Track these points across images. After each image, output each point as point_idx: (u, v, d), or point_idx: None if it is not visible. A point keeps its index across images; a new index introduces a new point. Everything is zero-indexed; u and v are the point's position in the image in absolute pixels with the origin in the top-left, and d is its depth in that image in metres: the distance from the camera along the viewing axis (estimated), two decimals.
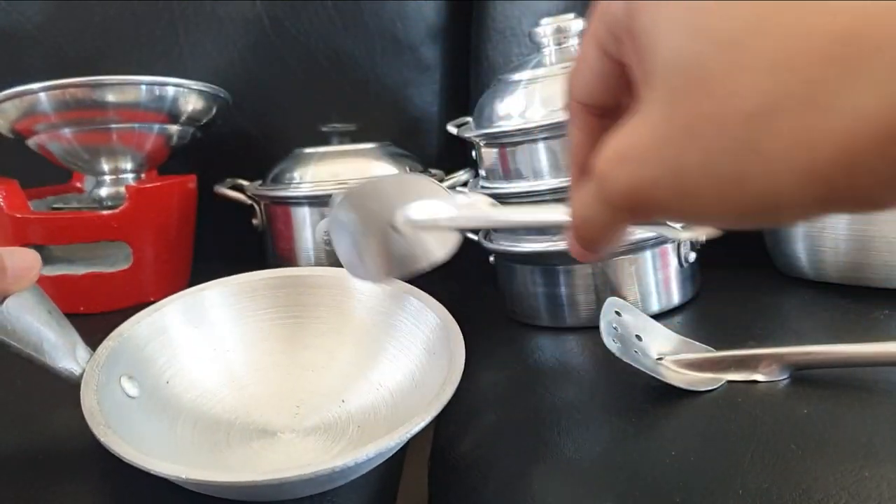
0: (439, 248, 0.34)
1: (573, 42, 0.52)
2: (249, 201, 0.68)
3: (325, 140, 0.68)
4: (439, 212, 0.32)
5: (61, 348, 0.34)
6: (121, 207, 0.60)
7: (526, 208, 0.30)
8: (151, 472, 0.28)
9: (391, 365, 0.39)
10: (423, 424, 0.30)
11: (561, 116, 0.48)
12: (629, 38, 0.21)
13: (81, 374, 0.34)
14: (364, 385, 0.39)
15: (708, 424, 0.36)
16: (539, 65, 0.51)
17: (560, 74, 0.50)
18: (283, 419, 0.37)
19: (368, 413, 0.38)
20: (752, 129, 0.17)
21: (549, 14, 0.53)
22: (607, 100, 0.25)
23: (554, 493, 0.32)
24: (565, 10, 0.55)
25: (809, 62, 0.17)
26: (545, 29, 0.52)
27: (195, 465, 0.33)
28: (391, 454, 0.33)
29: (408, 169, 0.66)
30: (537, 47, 0.53)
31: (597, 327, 0.40)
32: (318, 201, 0.63)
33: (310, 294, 0.43)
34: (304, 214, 0.64)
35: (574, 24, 0.52)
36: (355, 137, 0.68)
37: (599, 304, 0.43)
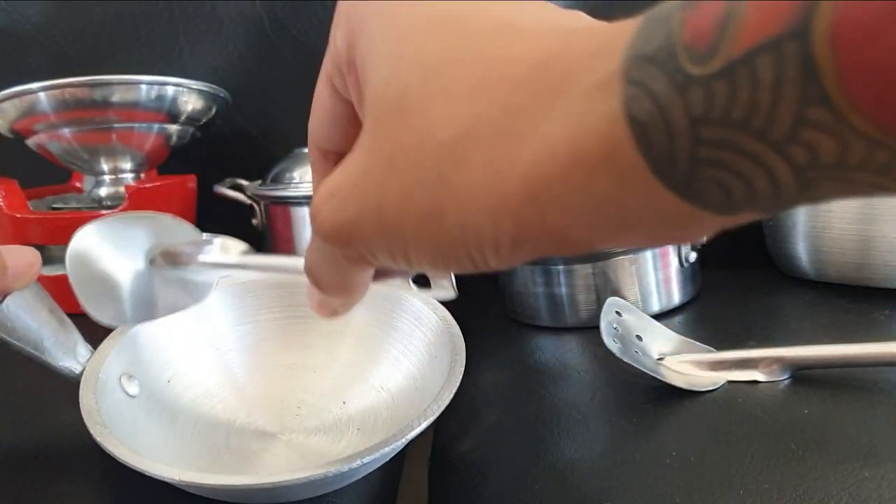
0: (191, 293, 0.33)
1: None
2: (249, 201, 0.68)
3: None
4: (193, 255, 0.31)
5: (62, 346, 0.34)
6: (120, 207, 0.60)
7: (274, 257, 0.29)
8: (146, 474, 0.28)
9: (392, 367, 0.39)
10: (419, 429, 0.30)
11: None
12: (350, 71, 0.20)
13: (82, 373, 0.34)
14: (365, 386, 0.39)
15: (708, 424, 0.36)
16: None
17: None
18: (284, 420, 0.37)
19: (369, 415, 0.37)
20: (445, 160, 0.16)
21: None
22: (345, 145, 0.22)
23: (554, 493, 0.32)
24: None
25: (508, 89, 0.16)
26: None
27: (194, 466, 0.33)
28: (388, 459, 0.32)
29: None
30: None
31: (597, 327, 0.40)
32: None
33: (302, 294, 0.42)
34: (303, 214, 0.64)
35: None
36: None
37: (600, 304, 0.43)
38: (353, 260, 0.21)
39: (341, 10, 0.21)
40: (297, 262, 0.26)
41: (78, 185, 0.72)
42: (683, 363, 0.41)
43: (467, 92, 0.16)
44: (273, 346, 0.42)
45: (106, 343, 0.36)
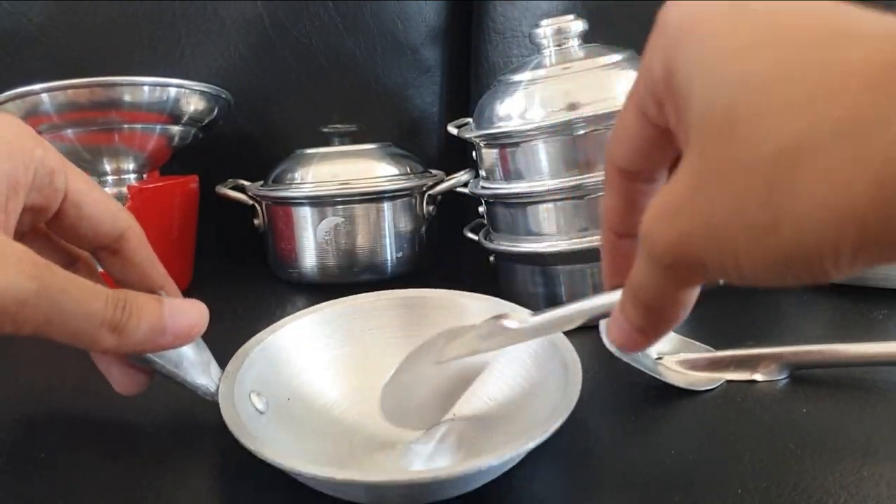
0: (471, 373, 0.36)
1: (573, 43, 0.52)
2: (251, 202, 0.68)
3: (326, 141, 0.68)
4: (481, 341, 0.34)
5: (198, 366, 0.35)
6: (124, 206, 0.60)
7: (565, 308, 0.31)
8: (321, 478, 0.28)
9: (499, 380, 0.39)
10: (561, 420, 0.30)
11: (560, 117, 0.48)
12: (669, 97, 0.21)
13: (216, 391, 0.35)
14: (473, 399, 0.39)
15: (707, 424, 0.36)
16: (539, 66, 0.52)
17: (560, 75, 0.50)
18: (400, 431, 0.37)
19: (481, 424, 0.37)
20: (784, 169, 0.17)
21: (549, 15, 0.54)
22: (644, 165, 0.25)
23: (553, 492, 0.32)
24: (565, 12, 0.56)
25: (850, 96, 0.16)
26: (545, 30, 0.52)
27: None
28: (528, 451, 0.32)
29: (408, 169, 0.66)
30: (537, 48, 0.53)
31: (597, 327, 0.40)
32: (320, 201, 0.63)
33: (424, 315, 0.43)
34: (305, 214, 0.64)
35: (573, 25, 0.52)
36: (356, 138, 0.68)
37: None
38: (681, 278, 0.22)
39: (658, 37, 0.21)
40: (601, 300, 0.29)
41: None
42: (682, 363, 0.41)
43: (802, 103, 0.16)
44: (383, 362, 0.42)
45: (233, 363, 0.37)
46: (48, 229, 0.33)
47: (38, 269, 0.25)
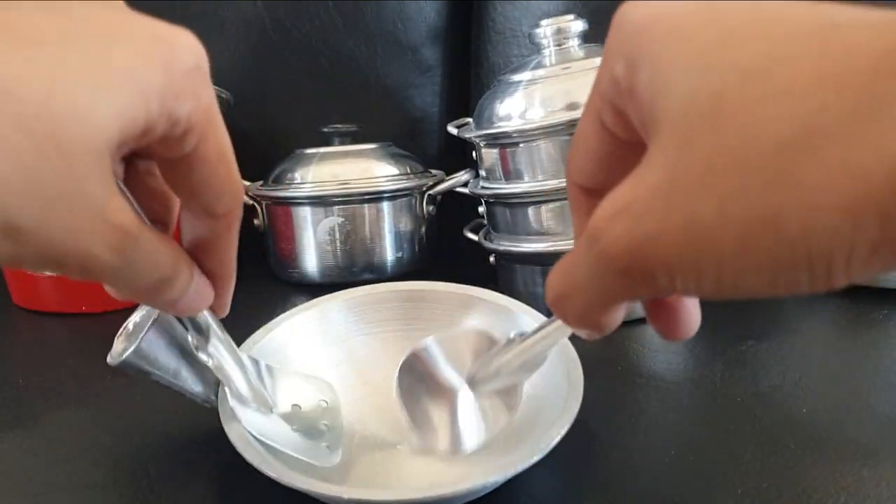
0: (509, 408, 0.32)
1: (573, 43, 0.52)
2: (251, 202, 0.68)
3: (326, 140, 0.68)
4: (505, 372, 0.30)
5: (195, 374, 0.35)
6: None
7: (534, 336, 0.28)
8: (325, 496, 0.28)
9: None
10: (564, 430, 0.30)
11: (560, 117, 0.48)
12: (632, 99, 0.19)
13: (216, 398, 0.35)
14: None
15: (707, 423, 0.36)
16: (539, 66, 0.52)
17: (560, 75, 0.50)
18: (399, 431, 0.37)
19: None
20: (787, 159, 0.15)
21: (549, 15, 0.54)
22: (605, 182, 0.22)
23: (552, 492, 0.32)
24: (565, 12, 0.56)
25: (862, 79, 0.15)
26: (545, 30, 0.52)
27: (331, 479, 0.33)
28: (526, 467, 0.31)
29: (408, 169, 0.66)
30: (537, 48, 0.53)
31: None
32: (320, 201, 0.63)
33: (422, 308, 0.42)
34: (305, 214, 0.64)
35: (573, 25, 0.52)
36: (356, 138, 0.68)
37: None
38: (632, 287, 0.19)
39: (616, 39, 0.20)
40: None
41: None
42: None
43: (804, 89, 0.15)
44: (382, 359, 0.41)
45: None
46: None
47: (126, 240, 0.21)
